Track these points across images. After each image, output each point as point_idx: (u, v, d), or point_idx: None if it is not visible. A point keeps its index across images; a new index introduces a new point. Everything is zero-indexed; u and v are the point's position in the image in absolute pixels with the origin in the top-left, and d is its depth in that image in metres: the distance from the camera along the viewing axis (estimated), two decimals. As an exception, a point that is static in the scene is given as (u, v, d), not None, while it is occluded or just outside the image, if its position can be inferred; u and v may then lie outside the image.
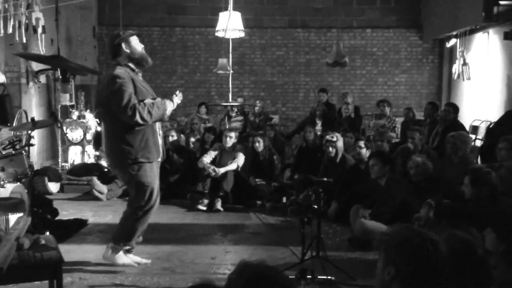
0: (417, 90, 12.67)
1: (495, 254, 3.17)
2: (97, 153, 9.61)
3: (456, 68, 10.48)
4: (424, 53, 12.62)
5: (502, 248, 3.13)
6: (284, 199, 7.02)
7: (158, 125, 4.57)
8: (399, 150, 7.07)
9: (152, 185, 4.46)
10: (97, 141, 9.74)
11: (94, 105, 4.79)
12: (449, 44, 11.30)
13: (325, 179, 4.47)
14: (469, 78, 10.26)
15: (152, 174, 4.47)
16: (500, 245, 3.15)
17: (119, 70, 4.33)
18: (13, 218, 4.47)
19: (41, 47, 7.14)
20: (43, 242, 3.33)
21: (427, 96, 12.57)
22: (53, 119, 7.34)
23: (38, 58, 5.06)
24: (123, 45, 4.39)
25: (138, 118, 4.19)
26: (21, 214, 4.37)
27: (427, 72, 12.63)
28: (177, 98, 4.57)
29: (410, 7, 12.39)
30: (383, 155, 5.98)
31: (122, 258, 4.59)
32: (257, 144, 7.71)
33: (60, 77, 3.79)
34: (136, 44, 4.47)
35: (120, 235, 4.60)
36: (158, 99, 4.45)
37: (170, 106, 4.46)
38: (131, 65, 4.44)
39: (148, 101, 4.33)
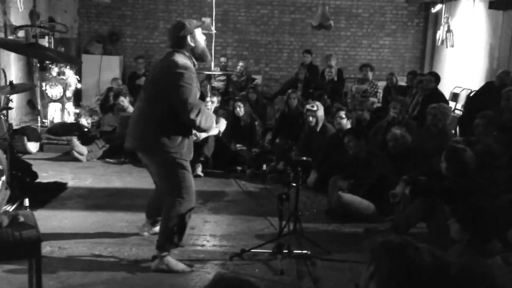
0: (400, 53, 12.64)
1: (461, 243, 3.28)
2: (77, 110, 9.53)
3: (440, 34, 10.48)
4: (409, 16, 12.53)
5: (467, 237, 3.24)
6: (264, 166, 7.08)
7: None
8: (379, 125, 7.08)
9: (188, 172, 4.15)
10: (76, 98, 9.63)
11: (144, 83, 4.43)
12: (434, 10, 11.23)
13: (304, 158, 4.50)
14: (452, 45, 10.27)
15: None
16: (464, 234, 3.25)
17: (186, 61, 3.91)
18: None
19: (19, 3, 6.96)
20: (21, 219, 3.31)
21: (410, 60, 12.59)
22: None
23: (15, 47, 4.71)
24: (188, 38, 3.97)
25: (197, 120, 3.83)
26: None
27: (411, 36, 12.58)
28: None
29: (397, -32, 12.23)
30: (355, 130, 6.01)
31: (177, 263, 4.12)
32: (238, 109, 7.71)
33: (38, 65, 3.63)
34: (200, 37, 4.04)
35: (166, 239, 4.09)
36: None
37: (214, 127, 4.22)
38: (192, 58, 4.04)
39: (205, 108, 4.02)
